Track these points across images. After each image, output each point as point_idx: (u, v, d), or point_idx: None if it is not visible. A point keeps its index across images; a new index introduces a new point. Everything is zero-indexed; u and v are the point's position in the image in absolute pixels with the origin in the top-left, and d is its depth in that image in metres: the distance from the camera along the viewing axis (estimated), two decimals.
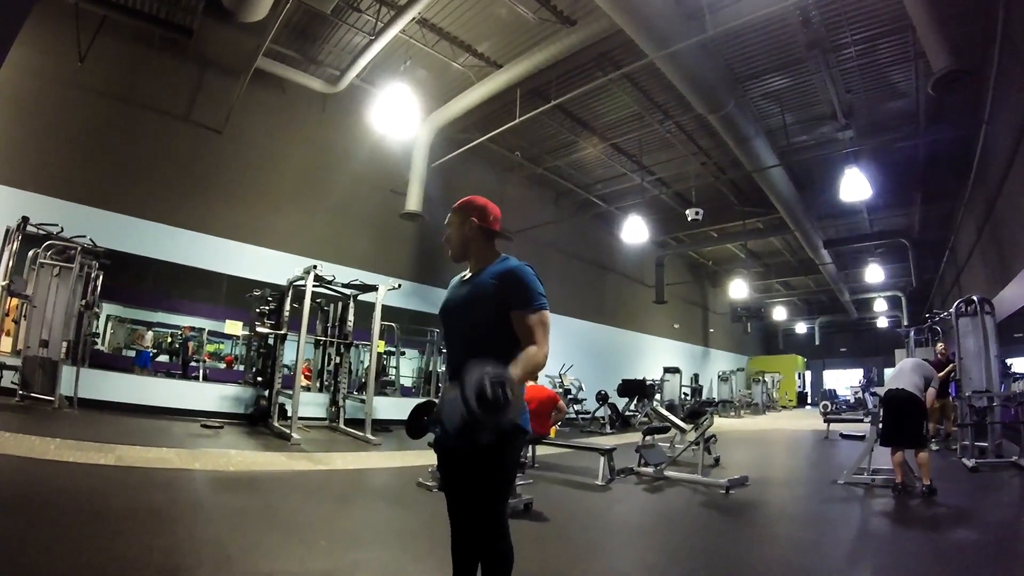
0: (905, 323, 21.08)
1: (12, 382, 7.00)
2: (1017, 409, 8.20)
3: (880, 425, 5.89)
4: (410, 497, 4.99)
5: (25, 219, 7.19)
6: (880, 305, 23.83)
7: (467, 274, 2.13)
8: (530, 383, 5.83)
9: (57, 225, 7.48)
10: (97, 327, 8.72)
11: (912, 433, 5.47)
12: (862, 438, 6.98)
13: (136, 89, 8.95)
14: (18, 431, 5.27)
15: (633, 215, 13.29)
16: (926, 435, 5.55)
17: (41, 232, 7.36)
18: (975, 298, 8.16)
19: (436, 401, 2.19)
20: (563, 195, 16.10)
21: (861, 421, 9.56)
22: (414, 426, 2.12)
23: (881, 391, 6.26)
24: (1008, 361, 10.99)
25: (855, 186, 10.07)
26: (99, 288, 7.86)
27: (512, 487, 2.66)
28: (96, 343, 8.70)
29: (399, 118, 8.45)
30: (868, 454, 6.21)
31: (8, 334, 7.38)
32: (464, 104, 10.12)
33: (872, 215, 16.64)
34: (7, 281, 6.94)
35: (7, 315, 7.20)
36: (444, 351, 2.13)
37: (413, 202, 10.93)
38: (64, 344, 7.27)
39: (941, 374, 7.88)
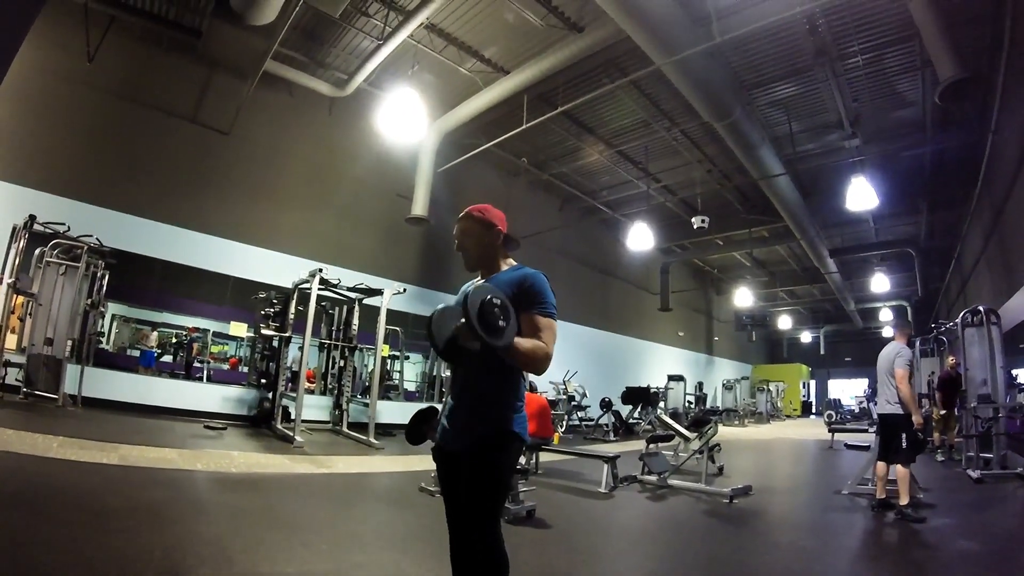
0: (911, 333, 20.91)
1: (16, 379, 7.03)
2: (1023, 420, 8.13)
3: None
4: (412, 501, 4.96)
5: (32, 217, 7.21)
6: (886, 315, 23.65)
7: (479, 281, 2.06)
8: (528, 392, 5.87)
9: (64, 224, 7.51)
10: (102, 326, 8.73)
11: (890, 447, 5.14)
12: (866, 448, 6.93)
13: (144, 89, 9.00)
14: (21, 428, 5.28)
15: (638, 222, 13.22)
16: (904, 448, 5.00)
17: (48, 231, 7.40)
18: (981, 308, 8.13)
19: (437, 408, 2.19)
20: (568, 201, 16.09)
21: (865, 431, 9.50)
22: (415, 432, 2.14)
23: None
24: (1014, 372, 10.91)
25: (861, 195, 10.03)
26: (104, 287, 7.89)
27: (508, 495, 2.66)
28: (101, 342, 8.71)
29: (406, 122, 8.47)
30: (872, 464, 6.15)
31: (13, 331, 7.39)
32: (471, 109, 10.15)
33: (878, 224, 16.57)
34: (13, 279, 6.96)
35: (12, 312, 7.22)
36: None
37: (419, 207, 10.96)
38: (69, 342, 7.31)
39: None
